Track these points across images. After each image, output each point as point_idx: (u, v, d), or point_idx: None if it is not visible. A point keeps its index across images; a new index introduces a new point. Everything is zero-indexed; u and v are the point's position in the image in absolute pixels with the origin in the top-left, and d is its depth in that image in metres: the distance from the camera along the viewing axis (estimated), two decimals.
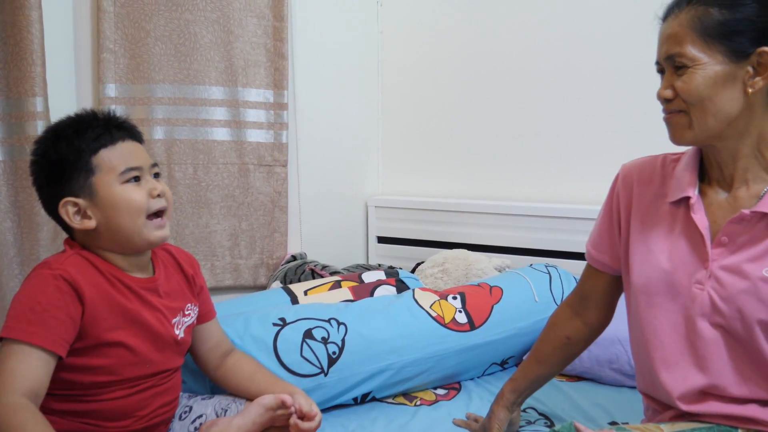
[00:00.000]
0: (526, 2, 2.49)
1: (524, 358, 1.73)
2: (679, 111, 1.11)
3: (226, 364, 1.46)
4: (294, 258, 2.46)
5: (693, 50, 1.07)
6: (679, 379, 1.15)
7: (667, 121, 1.14)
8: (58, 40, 2.03)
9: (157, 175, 1.29)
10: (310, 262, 2.37)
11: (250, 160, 2.40)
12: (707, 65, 1.07)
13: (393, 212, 2.77)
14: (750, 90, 1.07)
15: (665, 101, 1.13)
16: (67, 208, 1.21)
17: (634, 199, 1.25)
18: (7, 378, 1.09)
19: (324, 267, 2.33)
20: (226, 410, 1.39)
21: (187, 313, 1.37)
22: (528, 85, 2.51)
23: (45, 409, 1.21)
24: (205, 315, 1.45)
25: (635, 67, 2.14)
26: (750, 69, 1.06)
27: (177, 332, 1.32)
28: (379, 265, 2.48)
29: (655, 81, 1.17)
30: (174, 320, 1.32)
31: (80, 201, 1.21)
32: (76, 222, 1.22)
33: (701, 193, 1.17)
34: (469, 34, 2.63)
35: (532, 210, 2.43)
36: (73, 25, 2.11)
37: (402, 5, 2.78)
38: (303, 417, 1.34)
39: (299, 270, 2.32)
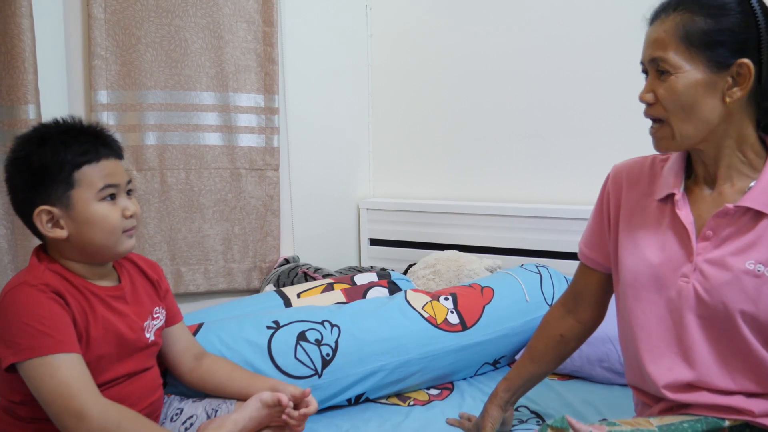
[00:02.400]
0: (515, 5, 2.52)
1: (518, 357, 1.76)
2: (659, 120, 1.14)
3: (202, 367, 1.47)
4: (287, 261, 2.47)
5: (675, 57, 1.10)
6: (665, 370, 1.18)
7: (652, 134, 1.17)
8: (50, 48, 2.04)
9: (129, 192, 1.30)
10: (303, 265, 2.38)
11: (242, 165, 2.41)
12: (689, 73, 1.09)
13: (385, 214, 2.79)
14: (728, 99, 1.10)
15: (646, 104, 1.15)
16: (42, 217, 1.21)
17: (623, 198, 1.28)
18: (76, 387, 1.12)
19: (317, 270, 2.34)
20: (217, 410, 1.40)
21: (155, 316, 1.38)
22: (516, 88, 2.54)
23: (13, 416, 1.23)
24: (172, 318, 1.46)
25: (623, 69, 2.16)
26: (729, 79, 1.09)
27: (147, 335, 1.33)
28: (372, 267, 2.49)
29: (643, 84, 1.19)
30: (144, 324, 1.33)
31: (55, 210, 1.21)
32: (47, 230, 1.21)
33: (687, 190, 1.20)
34: (457, 38, 2.65)
35: (522, 211, 2.45)
36: (65, 33, 2.12)
37: (391, 9, 2.80)
38: (298, 402, 1.37)
39: (292, 273, 2.34)
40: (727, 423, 1.12)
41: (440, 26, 2.69)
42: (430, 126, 2.77)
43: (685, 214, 1.17)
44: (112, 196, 1.25)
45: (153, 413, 1.37)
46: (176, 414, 1.42)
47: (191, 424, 1.38)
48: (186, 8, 2.26)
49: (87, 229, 1.22)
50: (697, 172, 1.20)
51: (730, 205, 1.12)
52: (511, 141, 2.58)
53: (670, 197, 1.20)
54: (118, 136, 2.18)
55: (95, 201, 1.22)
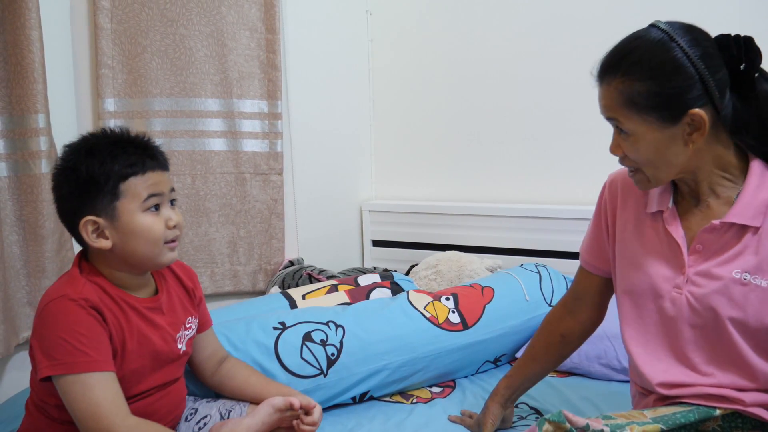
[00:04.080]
0: (513, 9, 2.56)
1: (519, 355, 1.80)
2: (634, 169, 1.20)
3: (222, 370, 1.51)
4: (291, 263, 2.51)
5: (627, 123, 1.14)
6: (661, 371, 1.23)
7: (630, 176, 1.23)
8: (58, 58, 2.08)
9: (173, 202, 1.31)
10: (308, 267, 2.42)
11: (246, 170, 2.46)
12: (645, 134, 1.14)
13: (387, 216, 2.83)
14: (691, 145, 1.14)
15: (619, 158, 1.21)
16: (87, 227, 1.22)
17: (618, 207, 1.33)
18: (106, 407, 1.15)
19: (321, 271, 2.38)
20: (230, 411, 1.45)
21: (188, 326, 1.40)
22: (515, 90, 2.58)
23: (46, 415, 1.27)
24: (203, 325, 1.49)
25: None
26: (687, 127, 1.13)
27: (180, 347, 1.36)
28: (375, 268, 2.53)
29: None
30: (177, 335, 1.36)
31: (100, 221, 1.22)
32: (92, 240, 1.23)
33: (677, 203, 1.25)
34: (456, 41, 2.69)
35: (521, 211, 2.49)
36: (72, 43, 2.16)
37: (391, 14, 2.84)
38: (306, 411, 1.41)
39: (297, 275, 2.37)
40: (718, 412, 1.17)
41: (439, 30, 2.73)
42: (431, 129, 2.81)
43: (674, 228, 1.22)
44: (156, 207, 1.26)
45: (176, 422, 1.41)
46: (191, 414, 1.46)
47: (204, 424, 1.42)
48: (190, 17, 2.30)
49: (131, 239, 1.23)
50: (682, 188, 1.25)
51: (716, 222, 1.17)
52: (510, 143, 2.61)
53: (660, 212, 1.25)
54: None
55: (140, 212, 1.23)
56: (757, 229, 1.15)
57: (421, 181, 2.86)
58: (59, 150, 1.98)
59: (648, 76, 1.11)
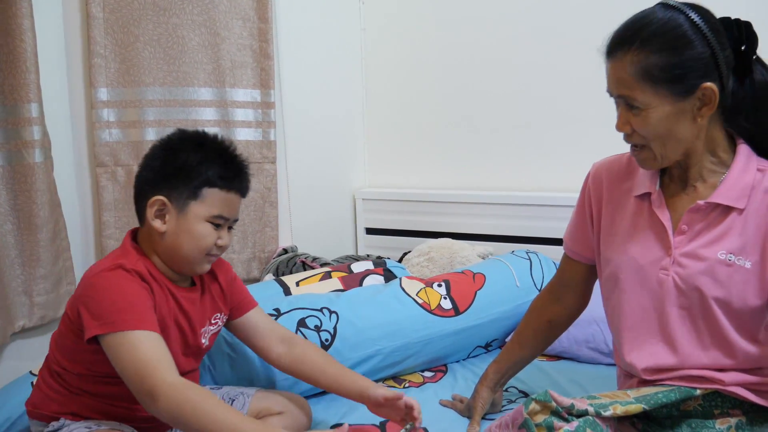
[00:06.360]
0: None
1: (507, 341, 1.82)
2: (640, 146, 1.21)
3: (293, 354, 1.50)
4: (285, 251, 2.53)
5: (642, 96, 1.15)
6: (647, 355, 1.26)
7: (634, 156, 1.24)
8: (51, 48, 2.08)
9: (230, 228, 1.38)
10: (301, 255, 2.44)
11: None
12: (658, 107, 1.15)
13: (380, 204, 2.84)
14: (699, 119, 1.16)
15: (625, 134, 1.22)
16: (155, 204, 1.29)
17: (604, 195, 1.35)
18: (152, 365, 1.17)
19: (314, 259, 2.40)
20: (234, 400, 1.47)
21: (213, 321, 1.44)
22: (506, 79, 2.59)
23: (61, 383, 1.31)
24: (246, 305, 1.51)
25: None
26: (697, 101, 1.15)
27: (203, 340, 1.40)
28: (368, 255, 2.55)
29: None
30: (202, 330, 1.40)
31: (169, 206, 1.29)
32: (151, 218, 1.29)
33: (663, 186, 1.28)
34: (449, 30, 2.70)
35: (513, 199, 2.51)
36: (64, 32, 2.15)
37: (383, 3, 2.84)
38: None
39: (291, 262, 2.39)
40: (698, 392, 1.20)
41: (432, 20, 2.73)
42: (424, 117, 2.82)
43: (661, 211, 1.25)
44: (218, 226, 1.33)
45: None
46: None
47: None
48: (183, 6, 2.30)
49: (183, 236, 1.30)
50: (671, 170, 1.27)
51: (701, 202, 1.20)
52: (503, 131, 2.63)
53: (647, 195, 1.28)
54: (118, 133, 2.24)
55: (203, 220, 1.31)
56: (741, 211, 1.18)
57: (413, 170, 2.88)
58: (52, 139, 1.99)
59: (664, 48, 1.12)
